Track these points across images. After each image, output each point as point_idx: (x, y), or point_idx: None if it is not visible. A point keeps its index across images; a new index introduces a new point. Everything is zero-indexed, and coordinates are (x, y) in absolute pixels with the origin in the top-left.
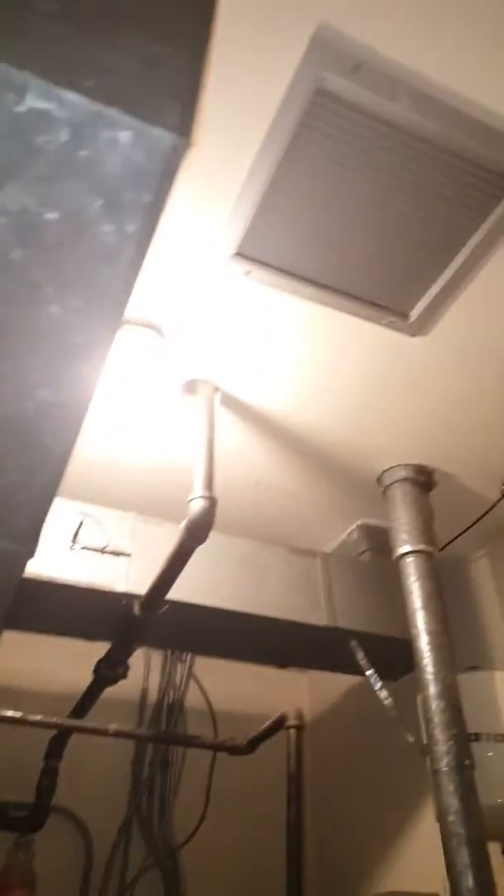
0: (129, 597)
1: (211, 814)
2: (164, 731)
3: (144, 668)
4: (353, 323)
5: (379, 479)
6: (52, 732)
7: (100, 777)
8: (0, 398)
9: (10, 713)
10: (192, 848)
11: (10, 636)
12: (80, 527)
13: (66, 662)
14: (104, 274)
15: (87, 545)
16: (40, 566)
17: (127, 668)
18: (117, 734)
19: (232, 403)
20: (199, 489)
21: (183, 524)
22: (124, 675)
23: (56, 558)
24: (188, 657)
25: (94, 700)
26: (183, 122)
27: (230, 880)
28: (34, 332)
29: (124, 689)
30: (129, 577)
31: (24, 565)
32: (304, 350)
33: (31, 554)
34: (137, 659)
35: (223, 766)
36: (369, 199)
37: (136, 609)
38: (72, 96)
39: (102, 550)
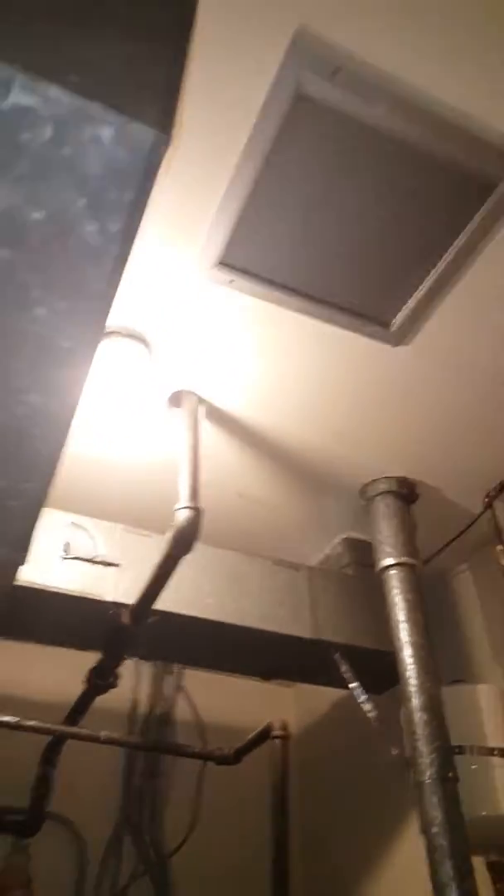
0: (117, 606)
1: (200, 823)
2: (154, 740)
3: (134, 680)
4: (336, 333)
5: (362, 492)
6: (47, 740)
7: (92, 786)
8: None
9: (5, 718)
10: (182, 856)
11: (5, 646)
12: (70, 538)
13: (59, 673)
14: (90, 273)
15: (77, 555)
16: (32, 574)
17: (117, 677)
18: (109, 741)
19: (216, 415)
20: (184, 500)
21: (169, 534)
22: (114, 685)
23: (47, 568)
24: (177, 669)
25: (85, 709)
26: (163, 119)
27: (219, 889)
28: (22, 336)
29: (115, 700)
30: (118, 586)
31: (15, 572)
32: (288, 361)
33: (22, 561)
34: (128, 670)
35: (212, 777)
36: (351, 206)
37: (125, 619)
38: (56, 91)
39: (92, 561)
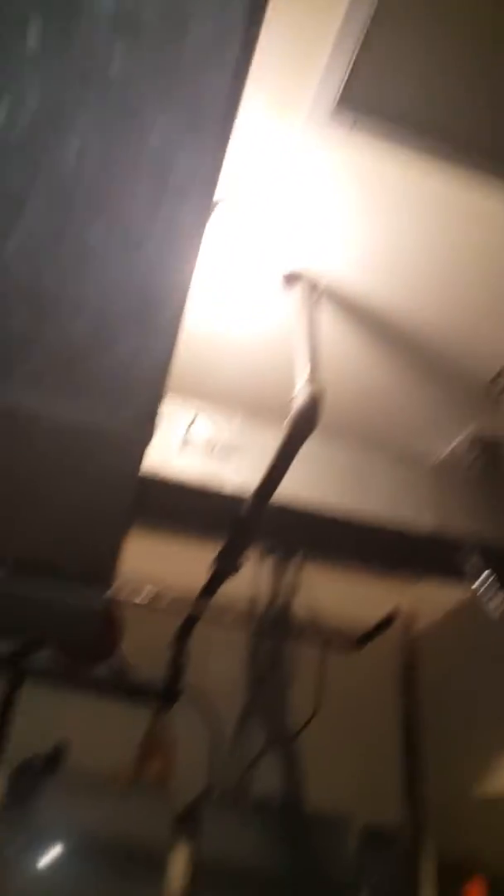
0: (237, 496)
1: (324, 707)
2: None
3: (254, 576)
4: (470, 186)
5: (494, 382)
6: (179, 624)
7: (221, 670)
8: (108, 253)
9: (142, 600)
10: (310, 733)
11: (138, 535)
12: (190, 425)
13: (187, 564)
14: (207, 84)
15: (198, 444)
16: (154, 463)
17: (240, 563)
18: (235, 622)
19: (334, 296)
20: (304, 378)
21: (289, 417)
22: (238, 569)
23: (166, 457)
24: (298, 563)
25: (211, 594)
26: None
27: (347, 764)
28: (138, 172)
29: (236, 593)
30: (238, 477)
31: (142, 451)
32: (413, 228)
33: (149, 436)
34: (248, 567)
35: (334, 668)
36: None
37: (245, 509)
38: None
39: (212, 449)
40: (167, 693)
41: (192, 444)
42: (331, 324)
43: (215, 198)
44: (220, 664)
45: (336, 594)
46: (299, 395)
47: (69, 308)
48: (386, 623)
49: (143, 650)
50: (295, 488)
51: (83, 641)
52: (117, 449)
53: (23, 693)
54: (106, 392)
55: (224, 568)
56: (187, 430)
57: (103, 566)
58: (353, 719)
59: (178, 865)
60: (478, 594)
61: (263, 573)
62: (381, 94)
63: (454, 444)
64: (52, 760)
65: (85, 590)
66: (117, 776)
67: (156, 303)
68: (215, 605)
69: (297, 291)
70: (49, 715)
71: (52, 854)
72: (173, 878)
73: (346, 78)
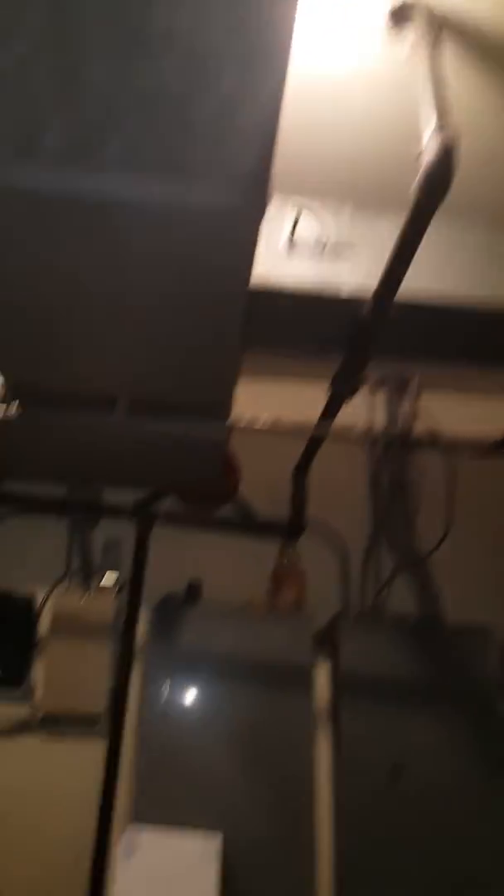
0: (356, 298)
1: (456, 522)
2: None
3: (369, 406)
4: None
5: None
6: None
7: (343, 499)
8: None
9: (261, 426)
10: (443, 553)
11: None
12: (296, 222)
13: (298, 406)
14: None
15: (306, 245)
16: (261, 273)
17: (360, 383)
18: (355, 450)
19: (457, 32)
20: (431, 129)
21: (417, 179)
22: (358, 389)
23: (275, 263)
24: (415, 384)
25: (331, 420)
26: None
27: (484, 586)
28: None
29: (351, 422)
30: (354, 275)
31: (254, 233)
32: None
33: (260, 210)
34: (364, 397)
35: (463, 482)
36: None
37: (366, 310)
38: None
39: (323, 248)
40: (292, 527)
41: (299, 247)
42: (453, 70)
43: None
44: (342, 493)
45: (458, 413)
46: (428, 147)
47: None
48: None
49: (263, 487)
50: (420, 282)
51: (205, 485)
52: (226, 236)
53: (153, 536)
54: (205, 160)
55: (344, 387)
56: (292, 231)
57: (220, 395)
58: (489, 531)
59: (321, 683)
60: None
61: (380, 403)
62: None
63: None
64: (190, 595)
65: (204, 423)
66: (253, 606)
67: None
68: (334, 435)
69: (411, 29)
70: (180, 556)
71: (198, 680)
72: (318, 695)
73: None
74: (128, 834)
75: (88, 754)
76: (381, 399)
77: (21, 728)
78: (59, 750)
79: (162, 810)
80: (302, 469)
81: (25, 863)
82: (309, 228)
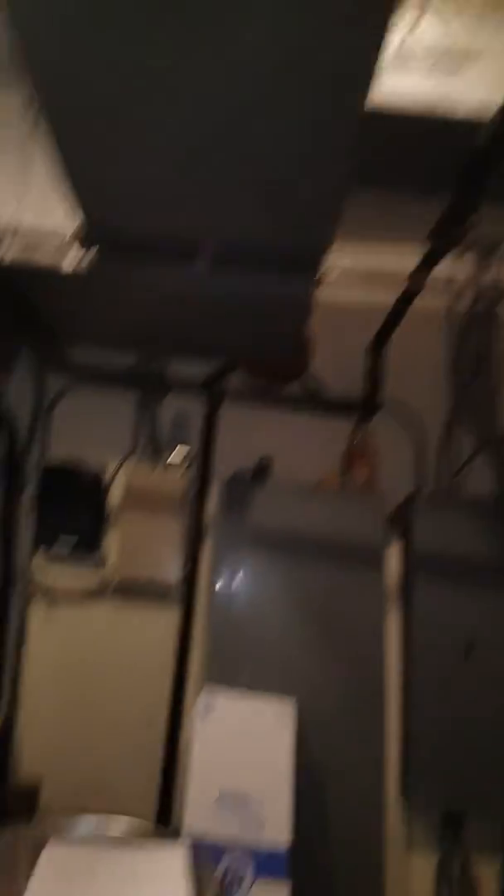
0: (474, 120)
1: None
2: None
3: (451, 276)
4: None
5: None
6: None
7: (421, 370)
8: None
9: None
10: None
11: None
12: (412, 26)
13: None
14: None
15: (417, 56)
16: None
17: (466, 230)
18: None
19: None
20: None
21: None
22: (460, 241)
23: (382, 74)
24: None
25: (426, 274)
26: None
27: None
28: None
29: (432, 294)
30: (474, 92)
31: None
32: None
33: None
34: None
35: None
36: None
37: (485, 135)
38: None
39: (436, 61)
40: (366, 405)
41: (409, 58)
42: None
43: None
44: (419, 370)
45: None
46: None
47: None
48: None
49: (338, 362)
50: None
51: (277, 357)
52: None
53: (223, 413)
54: None
55: (447, 234)
56: (402, 39)
57: (318, 239)
58: None
59: (393, 561)
60: None
61: (463, 272)
62: None
63: None
64: (260, 472)
65: (292, 279)
66: (324, 485)
67: None
68: (412, 311)
69: None
70: (249, 434)
71: (269, 556)
72: (389, 574)
73: None
74: (204, 695)
75: (161, 622)
76: (466, 266)
77: (97, 593)
78: (133, 616)
79: (234, 677)
80: (380, 342)
81: (102, 724)
82: (422, 35)
